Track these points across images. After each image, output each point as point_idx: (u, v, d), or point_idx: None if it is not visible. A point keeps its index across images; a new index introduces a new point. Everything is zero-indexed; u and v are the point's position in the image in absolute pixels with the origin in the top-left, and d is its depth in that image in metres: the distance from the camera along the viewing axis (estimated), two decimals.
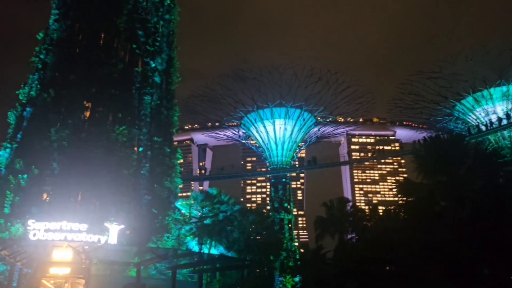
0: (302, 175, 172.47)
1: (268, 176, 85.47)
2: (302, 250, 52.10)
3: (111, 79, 33.48)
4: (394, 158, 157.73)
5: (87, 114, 32.68)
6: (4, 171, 31.23)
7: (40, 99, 32.63)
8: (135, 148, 33.20)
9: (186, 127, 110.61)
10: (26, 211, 27.85)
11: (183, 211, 34.73)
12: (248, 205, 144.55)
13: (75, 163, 29.37)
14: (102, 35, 35.59)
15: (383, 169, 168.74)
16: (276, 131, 62.88)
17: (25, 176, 29.51)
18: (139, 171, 32.57)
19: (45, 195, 29.29)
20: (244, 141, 72.67)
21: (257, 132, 64.12)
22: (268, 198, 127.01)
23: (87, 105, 32.75)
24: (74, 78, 32.67)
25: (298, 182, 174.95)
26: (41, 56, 34.78)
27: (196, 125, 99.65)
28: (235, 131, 69.82)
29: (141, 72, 35.66)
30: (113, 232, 26.82)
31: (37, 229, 24.93)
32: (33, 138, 30.95)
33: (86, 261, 25.92)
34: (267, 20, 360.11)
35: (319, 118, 65.45)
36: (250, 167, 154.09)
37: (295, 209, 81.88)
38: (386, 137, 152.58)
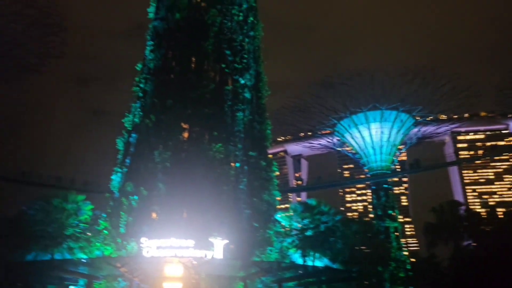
0: (405, 179, 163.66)
1: (368, 183, 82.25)
2: (413, 260, 48.98)
3: (204, 99, 34.99)
4: (511, 154, 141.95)
5: (185, 135, 34.42)
6: (117, 194, 34.03)
7: (143, 125, 35.12)
8: (232, 164, 34.05)
9: (279, 139, 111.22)
10: (139, 230, 30.00)
11: (283, 224, 34.53)
12: (349, 214, 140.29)
13: (178, 182, 31.02)
14: (193, 59, 37.45)
15: (498, 166, 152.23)
16: (372, 136, 60.25)
17: (135, 197, 31.80)
18: (238, 186, 33.27)
19: (154, 214, 31.24)
20: (339, 149, 70.87)
21: (352, 138, 62.06)
22: (370, 206, 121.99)
23: (184, 126, 34.55)
24: (170, 103, 34.76)
25: (401, 187, 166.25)
26: (141, 85, 37.56)
27: (288, 136, 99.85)
28: (329, 139, 68.37)
29: (232, 90, 36.71)
30: (218, 247, 27.64)
31: (150, 246, 26.70)
32: (140, 162, 33.38)
33: (196, 276, 26.98)
34: (350, 24, 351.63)
35: (418, 118, 61.43)
36: (348, 175, 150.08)
37: (400, 216, 77.50)
38: (497, 132, 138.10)
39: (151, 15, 41.02)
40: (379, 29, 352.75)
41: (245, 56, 38.67)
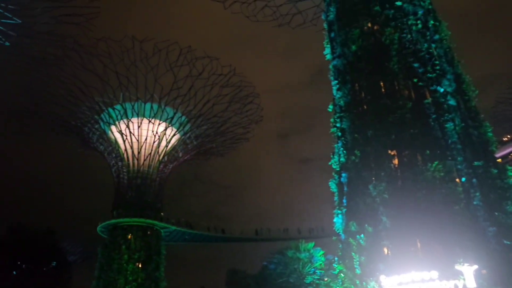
0: None
1: None
2: None
3: (405, 120, 33.19)
4: None
5: (396, 161, 32.85)
6: (343, 235, 34.10)
7: (350, 163, 35.06)
8: (457, 180, 30.60)
9: (505, 139, 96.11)
10: (374, 268, 29.04)
11: None
12: None
13: (402, 211, 29.29)
14: (381, 83, 36.41)
15: None
16: None
17: (361, 235, 31.23)
18: (471, 202, 29.41)
19: (385, 250, 29.95)
20: None
21: None
22: None
23: (392, 153, 33.10)
24: (371, 133, 34.04)
25: None
26: (337, 125, 38.09)
27: None
28: None
29: (432, 102, 33.91)
30: (468, 274, 24.44)
31: (390, 284, 25.44)
32: (357, 199, 33.01)
33: None
34: None
35: None
36: None
37: None
38: None
39: (328, 57, 42.37)
40: None
41: (436, 62, 35.63)
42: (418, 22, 37.53)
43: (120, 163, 77.61)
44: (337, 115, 38.55)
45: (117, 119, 75.11)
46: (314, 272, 32.21)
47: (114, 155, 78.25)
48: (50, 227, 57.71)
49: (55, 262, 56.23)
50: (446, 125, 32.60)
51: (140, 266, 69.72)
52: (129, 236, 70.29)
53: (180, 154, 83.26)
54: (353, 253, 31.29)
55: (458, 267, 24.76)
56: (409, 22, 37.41)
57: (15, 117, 72.77)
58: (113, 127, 76.32)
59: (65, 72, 67.73)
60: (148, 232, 72.55)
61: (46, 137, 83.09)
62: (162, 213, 76.95)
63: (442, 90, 34.31)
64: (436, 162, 30.48)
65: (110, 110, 73.26)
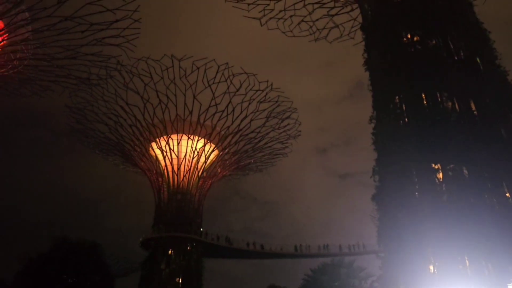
0: None
1: None
2: None
3: (450, 133, 31.93)
4: None
5: (440, 175, 31.57)
6: (385, 252, 32.89)
7: (391, 177, 34.04)
8: (507, 195, 28.95)
9: None
10: (419, 286, 27.80)
11: None
12: None
13: (448, 227, 27.94)
14: (423, 95, 35.35)
15: None
16: None
17: (405, 252, 29.98)
18: None
19: (431, 267, 28.59)
20: None
21: None
22: None
23: (436, 167, 31.86)
24: (413, 147, 32.93)
25: None
26: (378, 138, 37.25)
27: None
28: None
29: (478, 113, 32.54)
30: None
31: None
32: (399, 215, 31.84)
33: None
34: None
35: None
36: None
37: None
38: None
39: (367, 69, 41.73)
40: None
41: (481, 72, 34.32)
42: (461, 31, 36.42)
43: (160, 179, 79.19)
44: (377, 128, 37.73)
45: (157, 136, 76.98)
46: None
47: (154, 172, 79.97)
48: (94, 241, 59.28)
49: (98, 276, 57.51)
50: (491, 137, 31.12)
51: (180, 281, 70.29)
52: (170, 251, 71.15)
53: (219, 170, 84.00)
54: (395, 271, 30.13)
55: (511, 286, 23.34)
56: (451, 32, 36.34)
57: (63, 136, 76.25)
58: (153, 144, 78.21)
59: (108, 91, 70.43)
60: (188, 248, 73.21)
61: (91, 156, 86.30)
62: (201, 229, 77.53)
63: (488, 100, 32.92)
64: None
65: (151, 127, 75.18)
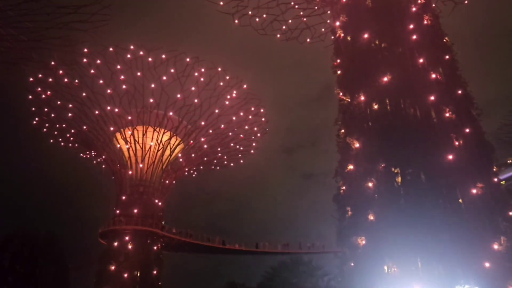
0: None
1: None
2: None
3: (410, 138, 33.02)
4: None
5: (399, 179, 32.61)
6: (342, 252, 33.68)
7: (351, 178, 34.90)
8: (460, 200, 30.28)
9: (510, 161, 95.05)
10: (373, 286, 28.66)
11: None
12: None
13: (404, 230, 28.91)
14: (387, 100, 36.39)
15: None
16: None
17: (360, 253, 30.82)
18: (475, 221, 29.04)
19: (385, 268, 29.55)
20: None
21: None
22: None
23: (395, 171, 32.90)
24: (375, 150, 33.87)
25: None
26: (341, 140, 38.09)
27: None
28: None
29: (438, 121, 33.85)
30: None
31: None
32: (357, 215, 32.69)
33: None
34: None
35: None
36: None
37: None
38: None
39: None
40: None
41: (443, 81, 35.64)
42: (427, 41, 37.65)
43: (123, 170, 77.72)
44: (342, 130, 38.53)
45: (122, 126, 75.50)
46: (314, 287, 31.95)
47: (117, 162, 78.40)
48: (50, 232, 57.56)
49: (54, 267, 55.94)
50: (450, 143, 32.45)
51: (138, 274, 69.30)
52: (129, 244, 69.98)
53: (184, 164, 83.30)
54: (351, 270, 30.95)
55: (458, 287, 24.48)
56: (418, 41, 37.51)
57: (25, 122, 73.73)
58: (118, 134, 76.63)
59: (73, 78, 68.41)
60: (148, 241, 72.25)
61: (54, 143, 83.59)
62: (163, 222, 76.71)
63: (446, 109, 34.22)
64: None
65: (116, 117, 73.65)
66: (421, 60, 36.78)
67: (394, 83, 36.02)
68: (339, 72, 41.55)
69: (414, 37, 37.91)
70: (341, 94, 40.07)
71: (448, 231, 28.37)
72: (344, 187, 36.20)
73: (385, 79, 36.40)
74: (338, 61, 42.37)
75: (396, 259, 28.97)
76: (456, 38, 39.78)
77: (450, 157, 31.64)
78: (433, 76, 35.92)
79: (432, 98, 34.54)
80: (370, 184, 33.06)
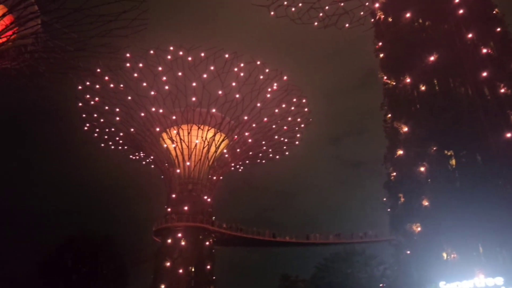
0: None
1: None
2: None
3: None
4: None
5: (453, 162, 31.24)
6: (398, 240, 32.78)
7: (403, 164, 33.81)
8: None
9: None
10: (432, 274, 27.67)
11: None
12: None
13: (461, 215, 27.67)
14: (435, 81, 34.89)
15: None
16: None
17: (418, 240, 29.85)
18: None
19: (445, 254, 28.41)
20: None
21: None
22: None
23: (449, 153, 31.51)
24: (426, 133, 32.59)
25: None
26: (389, 125, 36.94)
27: None
28: None
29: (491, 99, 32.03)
30: None
31: None
32: (412, 202, 31.64)
33: None
34: None
35: None
36: None
37: None
38: None
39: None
40: None
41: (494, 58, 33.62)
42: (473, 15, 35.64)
43: (171, 169, 79.61)
44: (388, 115, 37.37)
45: (168, 126, 77.24)
46: (369, 277, 31.30)
47: (165, 162, 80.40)
48: (106, 234, 60.09)
49: (112, 265, 58.51)
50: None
51: (193, 270, 70.95)
52: (182, 240, 71.74)
53: (230, 159, 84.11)
54: (407, 259, 30.04)
55: None
56: (464, 16, 35.59)
57: (77, 129, 76.96)
58: (164, 134, 78.49)
59: (118, 83, 70.69)
60: (200, 237, 73.69)
61: (104, 148, 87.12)
62: (213, 218, 77.96)
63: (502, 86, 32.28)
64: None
65: (161, 117, 75.45)
66: (469, 35, 34.86)
67: (441, 62, 34.41)
68: (381, 55, 40.22)
69: (461, 11, 35.90)
70: (385, 78, 38.84)
71: (510, 213, 26.82)
72: (394, 173, 35.13)
73: (432, 58, 34.85)
74: (380, 44, 41.03)
75: (455, 245, 27.77)
76: (508, 7, 37.33)
77: (509, 135, 29.87)
78: (484, 51, 33.94)
79: (484, 74, 32.66)
80: (422, 169, 31.88)
